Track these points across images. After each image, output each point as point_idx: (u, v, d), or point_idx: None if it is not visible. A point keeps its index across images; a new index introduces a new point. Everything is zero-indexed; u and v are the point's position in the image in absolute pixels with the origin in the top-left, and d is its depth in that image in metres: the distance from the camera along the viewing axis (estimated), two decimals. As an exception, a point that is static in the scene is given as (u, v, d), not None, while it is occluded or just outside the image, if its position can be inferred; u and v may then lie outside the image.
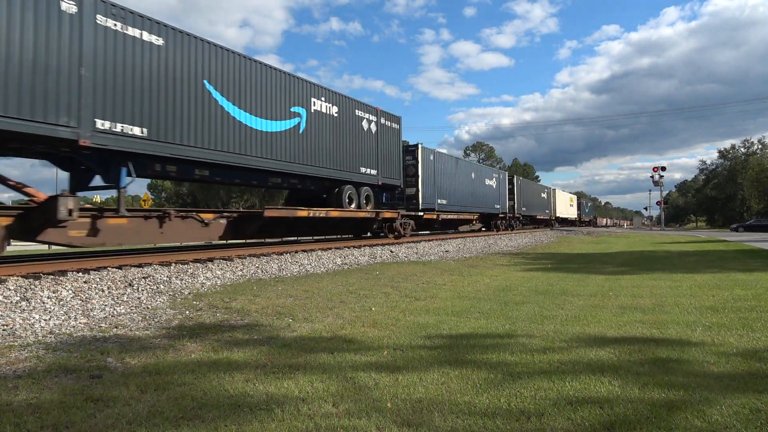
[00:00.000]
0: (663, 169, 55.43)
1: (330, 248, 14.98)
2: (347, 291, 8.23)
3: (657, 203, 61.84)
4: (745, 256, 16.00)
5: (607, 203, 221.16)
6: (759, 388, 3.55)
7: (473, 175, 27.57)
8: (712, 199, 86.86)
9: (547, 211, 45.31)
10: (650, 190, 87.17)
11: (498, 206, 32.49)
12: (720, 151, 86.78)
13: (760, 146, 79.66)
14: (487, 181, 30.38)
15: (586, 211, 71.08)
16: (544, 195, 44.87)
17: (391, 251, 15.68)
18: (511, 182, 34.72)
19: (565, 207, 54.26)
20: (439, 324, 5.82)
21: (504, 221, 33.59)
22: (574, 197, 63.42)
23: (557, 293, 8.21)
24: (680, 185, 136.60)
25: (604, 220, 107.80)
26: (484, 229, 32.44)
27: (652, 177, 55.69)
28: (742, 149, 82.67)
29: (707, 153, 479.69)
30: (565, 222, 56.22)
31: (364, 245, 16.71)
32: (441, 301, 7.47)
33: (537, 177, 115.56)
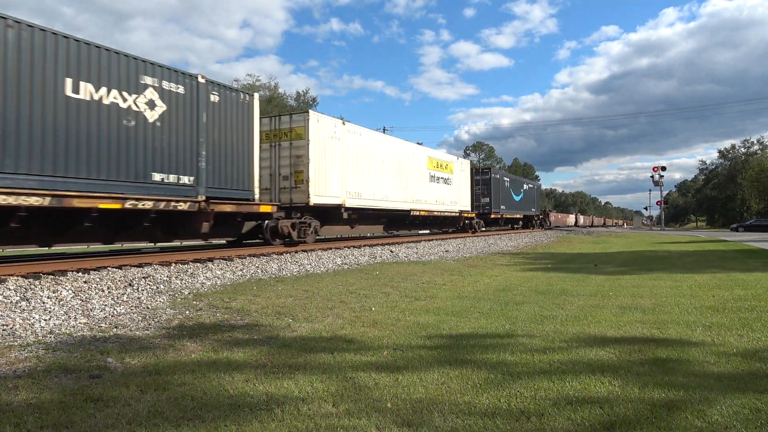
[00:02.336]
0: (663, 169, 55.49)
1: (330, 248, 14.99)
2: (347, 291, 8.23)
3: (657, 203, 61.88)
4: (745, 256, 16.00)
5: (607, 203, 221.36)
6: (759, 388, 3.55)
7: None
8: (712, 199, 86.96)
9: (298, 186, 14.65)
10: (650, 190, 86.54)
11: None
12: (720, 151, 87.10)
13: (759, 146, 79.79)
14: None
15: (516, 198, 35.95)
16: (299, 150, 14.70)
17: (391, 251, 15.68)
18: None
19: (429, 186, 22.45)
20: (439, 324, 5.81)
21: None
22: (464, 163, 27.60)
23: (557, 293, 8.21)
24: (680, 185, 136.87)
25: (570, 217, 64.99)
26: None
27: (652, 177, 55.76)
28: (742, 149, 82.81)
29: (707, 153, 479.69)
30: (425, 223, 24.45)
31: (364, 245, 16.72)
32: (441, 301, 7.47)
33: (537, 177, 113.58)
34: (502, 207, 32.78)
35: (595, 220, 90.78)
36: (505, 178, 35.04)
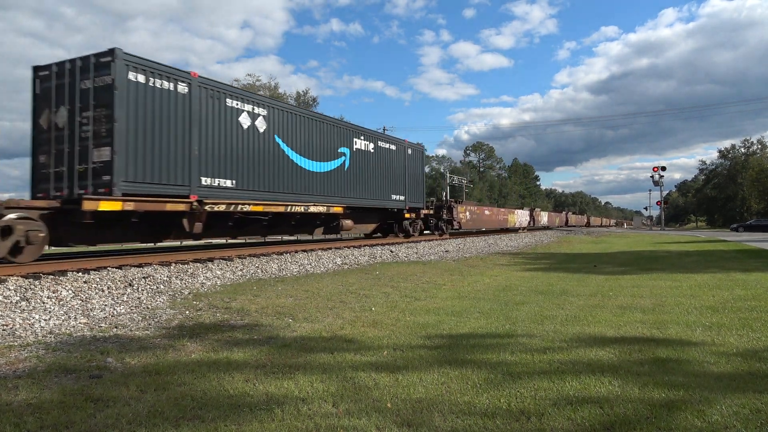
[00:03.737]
0: (663, 169, 55.51)
1: (330, 248, 15.00)
2: (347, 291, 8.23)
3: (657, 203, 61.89)
4: (745, 256, 16.00)
5: (607, 203, 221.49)
6: (759, 388, 3.55)
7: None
8: (712, 199, 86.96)
9: None
10: (650, 190, 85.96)
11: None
12: (720, 151, 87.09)
13: (759, 146, 79.82)
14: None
15: (320, 168, 14.79)
16: None
17: (391, 251, 15.69)
18: None
19: None
20: (439, 324, 5.81)
21: None
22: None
23: (557, 293, 8.21)
24: (680, 185, 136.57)
25: (517, 215, 39.80)
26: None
27: (652, 177, 55.81)
28: (742, 149, 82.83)
29: (706, 153, 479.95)
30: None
31: (364, 245, 16.73)
32: (441, 301, 7.47)
33: (537, 177, 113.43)
34: (213, 182, 11.28)
35: (573, 218, 62.72)
36: (249, 108, 12.28)
